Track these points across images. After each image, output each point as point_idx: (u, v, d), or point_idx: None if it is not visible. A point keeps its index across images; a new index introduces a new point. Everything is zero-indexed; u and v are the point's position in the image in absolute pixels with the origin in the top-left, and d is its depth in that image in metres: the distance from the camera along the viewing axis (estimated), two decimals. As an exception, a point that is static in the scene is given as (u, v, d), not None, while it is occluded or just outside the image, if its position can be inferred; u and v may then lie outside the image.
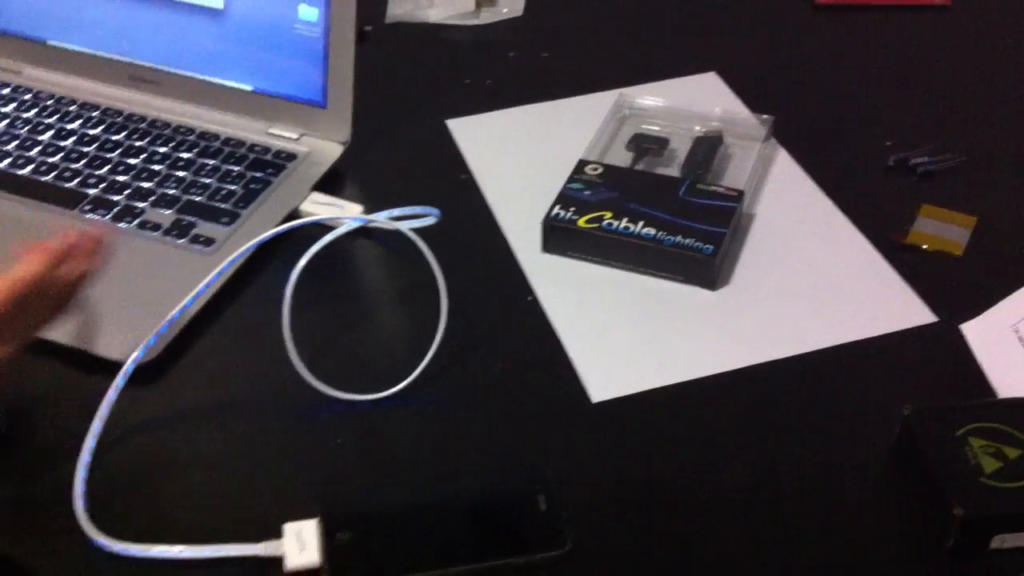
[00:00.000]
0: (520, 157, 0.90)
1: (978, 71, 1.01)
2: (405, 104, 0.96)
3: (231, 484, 0.65)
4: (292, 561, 0.60)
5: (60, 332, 0.71)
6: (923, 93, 0.98)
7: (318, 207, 0.83)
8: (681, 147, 0.89)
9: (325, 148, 0.87)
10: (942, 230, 0.83)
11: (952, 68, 1.01)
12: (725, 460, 0.67)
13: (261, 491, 0.65)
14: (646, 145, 0.88)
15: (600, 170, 0.84)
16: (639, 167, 0.87)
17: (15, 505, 0.64)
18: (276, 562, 0.60)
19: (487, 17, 1.07)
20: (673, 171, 0.87)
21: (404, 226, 0.73)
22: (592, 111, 0.93)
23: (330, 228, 0.77)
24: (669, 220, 0.79)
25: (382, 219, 0.75)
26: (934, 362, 0.73)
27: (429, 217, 0.78)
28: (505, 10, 1.07)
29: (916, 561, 0.62)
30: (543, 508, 0.62)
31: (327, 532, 0.61)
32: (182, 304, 0.68)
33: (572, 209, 0.80)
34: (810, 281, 0.78)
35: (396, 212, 0.77)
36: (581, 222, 0.79)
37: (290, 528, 0.61)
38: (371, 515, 0.62)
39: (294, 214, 0.82)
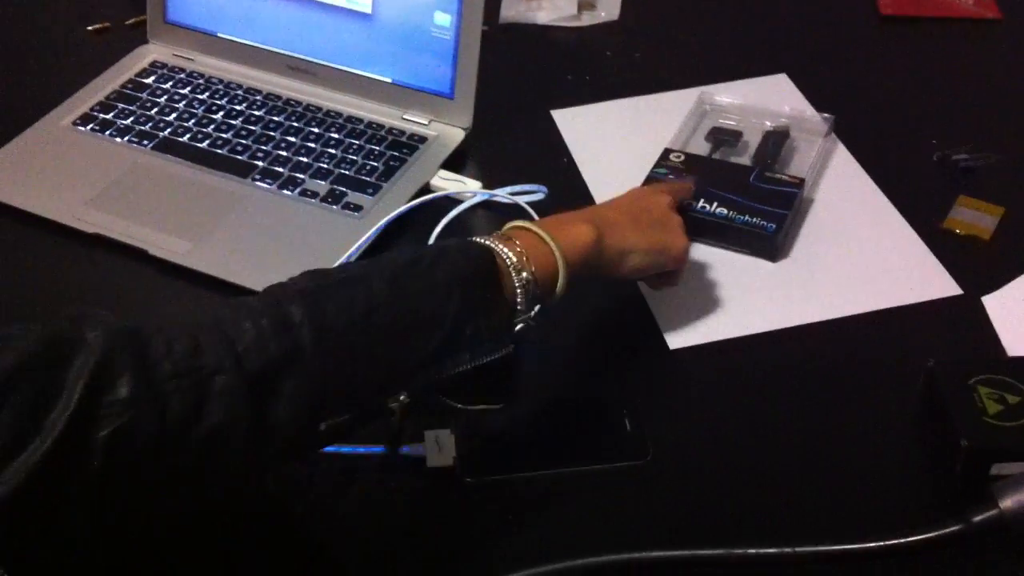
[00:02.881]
0: (614, 144, 1.05)
1: (1019, 80, 1.14)
2: (516, 96, 1.12)
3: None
4: (432, 460, 0.76)
5: (243, 277, 0.89)
6: (969, 98, 1.11)
7: (445, 182, 0.99)
8: (753, 140, 1.04)
9: (450, 133, 1.04)
10: (974, 218, 0.97)
11: (996, 76, 1.15)
12: (778, 399, 0.82)
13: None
14: (722, 137, 1.03)
15: (682, 158, 0.99)
16: (716, 156, 1.02)
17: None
18: (419, 461, 0.77)
19: (587, 20, 1.22)
20: (745, 160, 1.02)
21: (521, 200, 0.89)
22: (676, 106, 1.08)
23: (455, 199, 0.94)
24: (740, 202, 0.94)
25: (502, 194, 0.91)
26: (958, 327, 0.88)
27: (538, 193, 0.94)
28: (603, 14, 1.23)
29: (931, 483, 0.77)
30: (629, 428, 0.79)
31: (458, 439, 0.77)
32: (346, 255, 0.86)
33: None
34: (857, 257, 0.93)
35: (512, 189, 0.93)
36: (665, 201, 0.95)
37: (429, 435, 0.77)
38: (491, 428, 0.79)
39: (425, 188, 0.99)
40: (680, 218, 0.84)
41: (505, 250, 0.71)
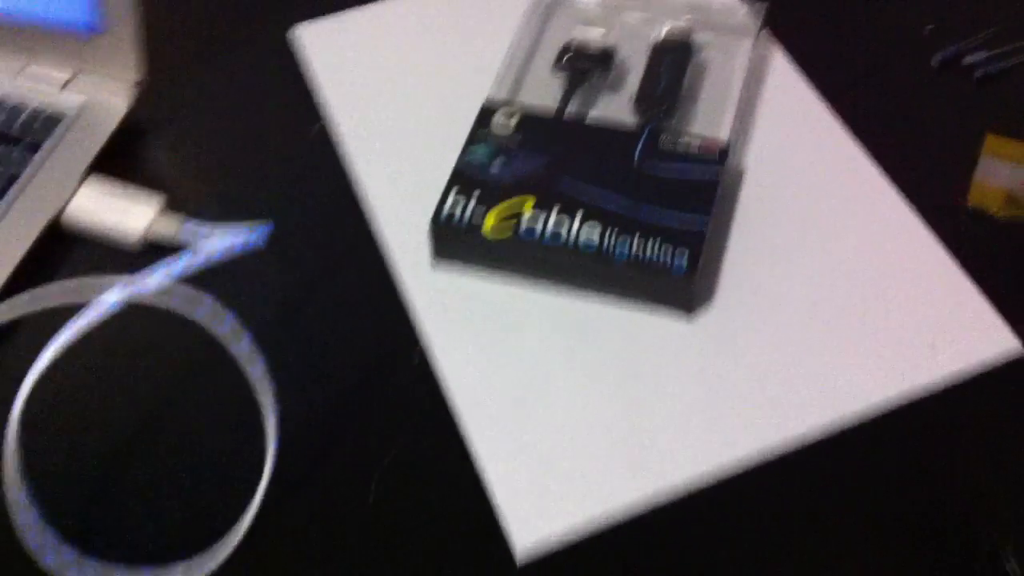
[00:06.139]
0: (398, 91, 0.61)
1: None
2: (227, 14, 0.67)
3: None
4: None
5: None
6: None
7: (94, 206, 0.55)
8: (634, 56, 0.61)
9: (107, 97, 0.59)
10: (1019, 178, 0.56)
11: None
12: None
13: None
14: (583, 63, 0.60)
15: (516, 118, 0.56)
16: (574, 104, 0.59)
17: None
18: None
19: None
20: (623, 101, 0.59)
21: (225, 246, 0.46)
22: (498, 7, 0.64)
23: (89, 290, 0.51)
24: (622, 210, 0.52)
25: (157, 282, 0.47)
26: (1015, 421, 0.49)
27: (253, 236, 0.51)
28: None
29: None
30: None
31: None
32: None
33: (475, 196, 0.53)
34: (833, 287, 0.53)
35: (176, 266, 0.48)
36: (489, 223, 0.52)
37: None
38: None
39: (54, 225, 0.54)
40: None
41: None
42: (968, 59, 0.61)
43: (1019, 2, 0.64)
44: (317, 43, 0.63)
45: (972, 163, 0.57)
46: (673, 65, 0.59)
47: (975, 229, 0.55)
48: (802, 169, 0.57)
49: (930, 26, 0.63)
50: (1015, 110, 0.59)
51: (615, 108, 0.59)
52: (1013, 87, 0.60)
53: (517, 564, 0.44)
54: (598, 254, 0.51)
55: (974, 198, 0.56)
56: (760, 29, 0.62)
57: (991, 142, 0.58)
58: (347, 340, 0.51)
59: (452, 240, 0.52)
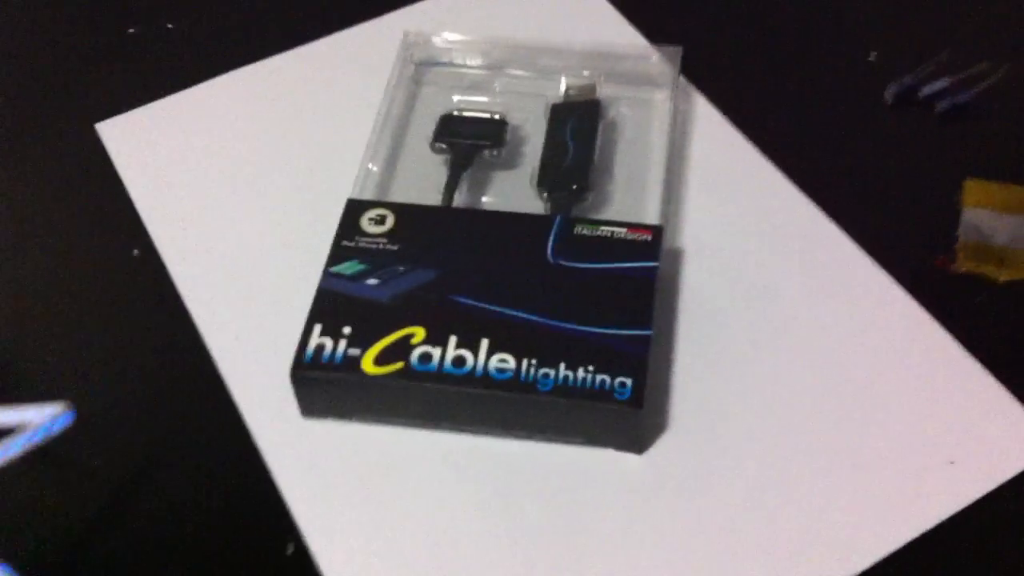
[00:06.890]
0: (234, 195, 0.48)
1: None
2: (10, 114, 0.54)
3: None
4: None
5: None
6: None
7: None
8: (530, 123, 0.49)
9: None
10: (1013, 229, 0.46)
11: None
12: None
13: None
14: (465, 139, 0.48)
15: (389, 220, 0.44)
16: (461, 192, 0.47)
17: None
18: None
19: None
20: (522, 181, 0.47)
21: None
22: (356, 72, 0.52)
23: None
24: (537, 334, 0.40)
25: None
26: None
27: (40, 427, 0.37)
28: None
29: None
30: None
31: None
32: None
33: (346, 331, 0.40)
34: (812, 389, 0.41)
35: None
36: (368, 360, 0.40)
37: None
38: None
39: None
40: None
41: None
42: (925, 90, 0.51)
43: (970, 19, 0.55)
44: (124, 144, 0.50)
45: (951, 215, 0.47)
46: (579, 130, 0.48)
47: (972, 300, 0.44)
48: (753, 243, 0.46)
49: (874, 53, 0.53)
50: (989, 146, 0.49)
51: (514, 191, 0.47)
52: (983, 119, 0.50)
53: None
54: (515, 387, 0.39)
55: (964, 261, 0.45)
56: (677, 76, 0.51)
57: (971, 189, 0.48)
58: (194, 539, 0.38)
59: (322, 387, 0.40)
